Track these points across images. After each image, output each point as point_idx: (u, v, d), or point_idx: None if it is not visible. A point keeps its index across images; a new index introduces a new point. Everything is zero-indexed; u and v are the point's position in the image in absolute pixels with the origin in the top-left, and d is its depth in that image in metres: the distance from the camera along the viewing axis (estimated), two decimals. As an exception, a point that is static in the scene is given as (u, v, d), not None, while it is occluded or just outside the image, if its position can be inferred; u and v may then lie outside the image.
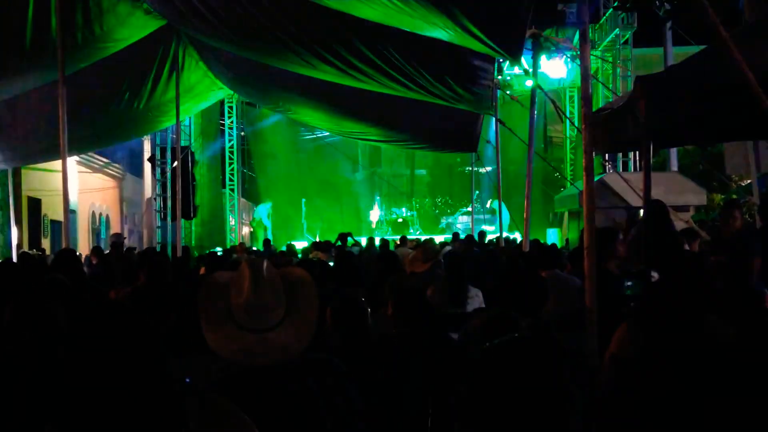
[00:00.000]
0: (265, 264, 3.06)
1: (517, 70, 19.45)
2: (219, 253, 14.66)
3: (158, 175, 23.88)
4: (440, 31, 6.71)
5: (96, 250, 14.16)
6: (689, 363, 2.70)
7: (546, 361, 1.69)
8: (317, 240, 20.52)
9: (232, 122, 29.20)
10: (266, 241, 19.87)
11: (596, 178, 6.48)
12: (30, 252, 16.82)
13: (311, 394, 2.98)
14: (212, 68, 13.76)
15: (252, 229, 31.00)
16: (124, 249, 13.94)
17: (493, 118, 11.54)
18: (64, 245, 8.94)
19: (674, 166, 20.08)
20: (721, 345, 3.02)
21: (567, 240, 20.32)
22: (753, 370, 2.72)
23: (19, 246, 17.86)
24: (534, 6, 5.84)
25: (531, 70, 14.18)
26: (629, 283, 6.07)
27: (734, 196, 14.76)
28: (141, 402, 2.16)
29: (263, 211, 32.15)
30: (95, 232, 25.00)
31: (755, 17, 9.18)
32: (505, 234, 14.89)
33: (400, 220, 31.99)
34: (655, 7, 9.65)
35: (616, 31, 24.20)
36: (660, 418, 2.52)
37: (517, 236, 17.42)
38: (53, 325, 3.44)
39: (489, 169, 19.00)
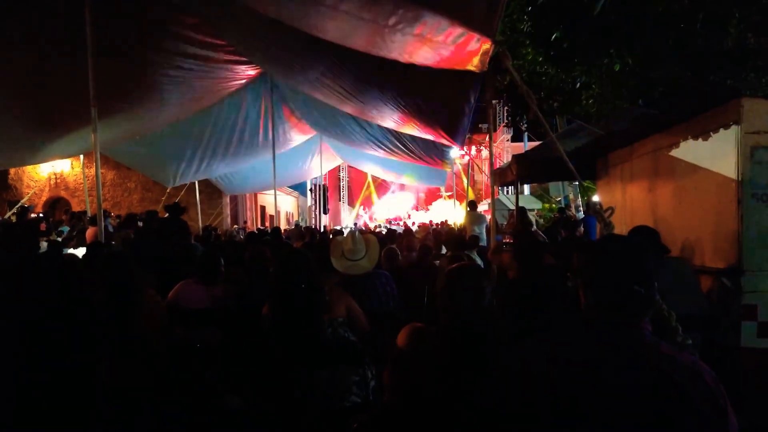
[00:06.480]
0: (357, 232, 3.07)
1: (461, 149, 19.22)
2: (338, 229, 14.68)
3: (312, 196, 24.01)
4: (428, 135, 6.58)
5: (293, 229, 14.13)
6: (537, 271, 2.65)
7: (476, 272, 1.68)
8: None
9: (344, 175, 29.79)
10: (356, 224, 19.88)
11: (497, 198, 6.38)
12: (262, 227, 17.03)
13: (376, 285, 2.99)
14: (335, 151, 13.52)
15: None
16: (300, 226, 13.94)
17: (452, 171, 11.31)
18: (275, 225, 9.01)
19: (527, 192, 19.69)
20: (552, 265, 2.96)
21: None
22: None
23: (255, 225, 18.13)
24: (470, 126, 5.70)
25: (467, 151, 14.08)
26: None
27: (554, 206, 14.34)
28: (315, 289, 2.15)
29: (369, 211, 32.29)
30: (287, 220, 25.19)
31: (563, 130, 8.98)
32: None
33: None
34: (520, 126, 9.48)
35: (504, 134, 23.88)
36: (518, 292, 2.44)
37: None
38: (267, 258, 3.33)
39: (450, 193, 18.89)
